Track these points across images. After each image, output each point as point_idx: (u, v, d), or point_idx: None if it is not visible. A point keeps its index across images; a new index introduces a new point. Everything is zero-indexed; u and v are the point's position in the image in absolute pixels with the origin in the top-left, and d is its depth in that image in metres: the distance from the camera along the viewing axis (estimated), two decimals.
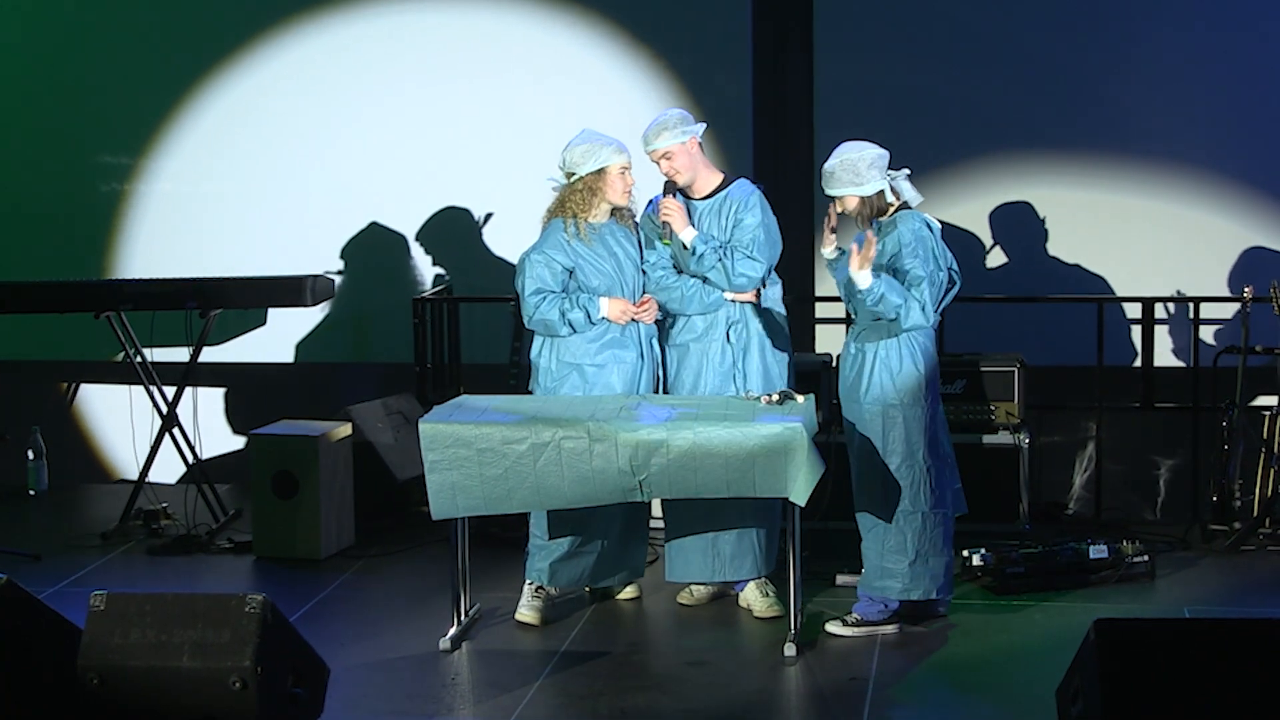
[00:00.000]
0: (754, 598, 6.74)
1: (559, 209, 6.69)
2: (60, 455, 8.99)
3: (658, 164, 6.63)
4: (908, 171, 6.46)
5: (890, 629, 6.46)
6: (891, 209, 6.41)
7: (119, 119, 8.86)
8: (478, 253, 8.64)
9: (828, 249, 6.57)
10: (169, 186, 8.85)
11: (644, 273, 6.72)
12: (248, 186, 8.80)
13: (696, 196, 6.70)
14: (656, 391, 6.74)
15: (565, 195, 6.67)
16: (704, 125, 6.67)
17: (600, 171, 6.60)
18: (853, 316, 6.53)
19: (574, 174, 6.63)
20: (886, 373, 6.38)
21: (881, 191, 6.39)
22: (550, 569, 6.68)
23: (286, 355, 8.89)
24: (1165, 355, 7.99)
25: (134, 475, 8.28)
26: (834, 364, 7.88)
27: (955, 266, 6.48)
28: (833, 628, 6.48)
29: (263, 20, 8.71)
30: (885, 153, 6.42)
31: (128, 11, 8.83)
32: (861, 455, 6.47)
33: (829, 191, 6.43)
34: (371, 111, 8.68)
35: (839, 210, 6.46)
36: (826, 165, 6.43)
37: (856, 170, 6.36)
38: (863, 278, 6.22)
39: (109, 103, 8.85)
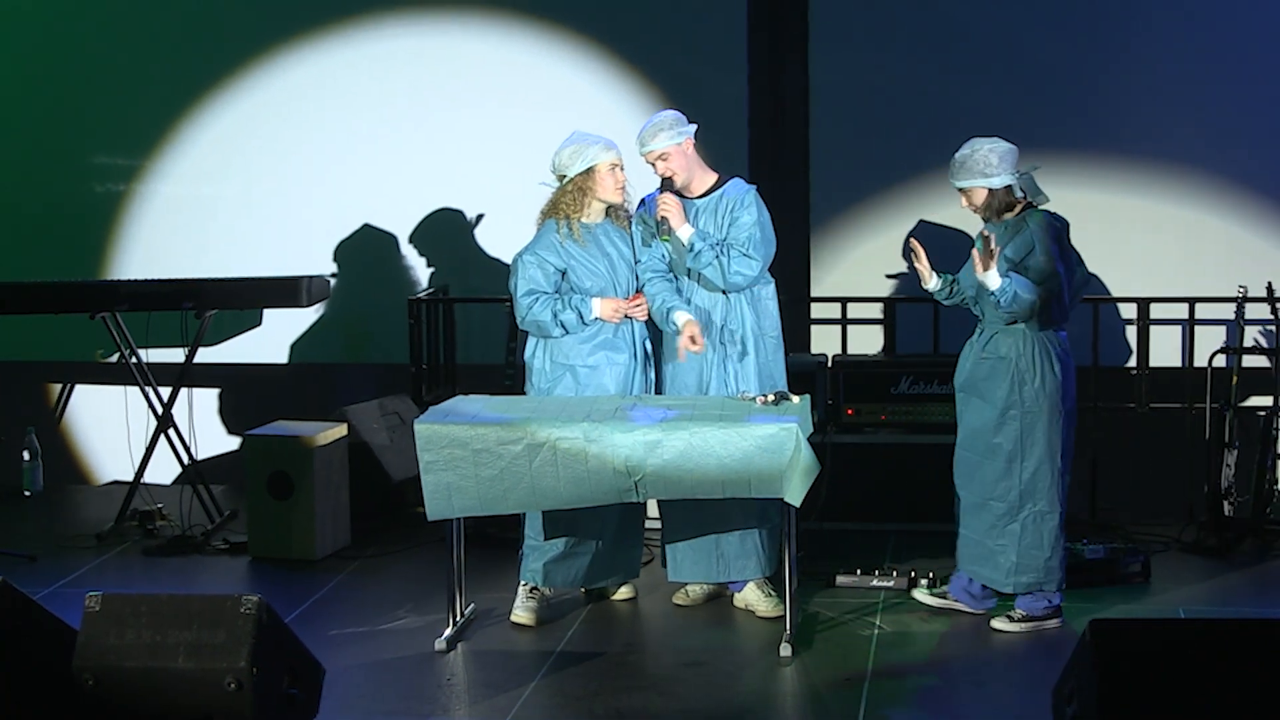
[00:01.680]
0: (756, 598, 6.74)
1: (552, 210, 6.69)
2: (55, 456, 8.99)
3: (653, 165, 6.63)
4: (1036, 167, 6.45)
5: (1054, 623, 6.50)
6: (1019, 206, 6.40)
7: (115, 121, 8.85)
8: (473, 253, 8.64)
9: (930, 283, 6.53)
10: (166, 188, 8.85)
11: (637, 273, 6.72)
12: (244, 188, 8.79)
13: (692, 195, 6.70)
14: (650, 392, 6.74)
15: (557, 197, 6.68)
16: (695, 126, 6.67)
17: (589, 171, 6.61)
18: (980, 317, 6.53)
19: (565, 175, 6.64)
20: (1027, 380, 6.38)
21: (1009, 187, 6.37)
22: (544, 570, 6.68)
23: (282, 356, 8.89)
24: (1160, 355, 7.99)
25: (129, 476, 8.28)
26: (829, 364, 7.90)
27: (1083, 263, 6.51)
28: (998, 624, 6.51)
29: (265, 32, 8.70)
30: (1015, 148, 6.39)
31: (127, 15, 8.81)
32: (988, 455, 6.47)
33: (957, 183, 6.38)
34: (367, 113, 8.68)
35: (964, 204, 6.43)
36: (957, 155, 6.38)
37: (988, 162, 6.32)
38: (992, 279, 6.20)
39: (104, 104, 8.85)
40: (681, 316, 6.54)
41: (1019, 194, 6.38)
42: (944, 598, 6.67)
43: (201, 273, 8.44)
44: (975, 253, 6.23)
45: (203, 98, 8.77)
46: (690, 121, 6.66)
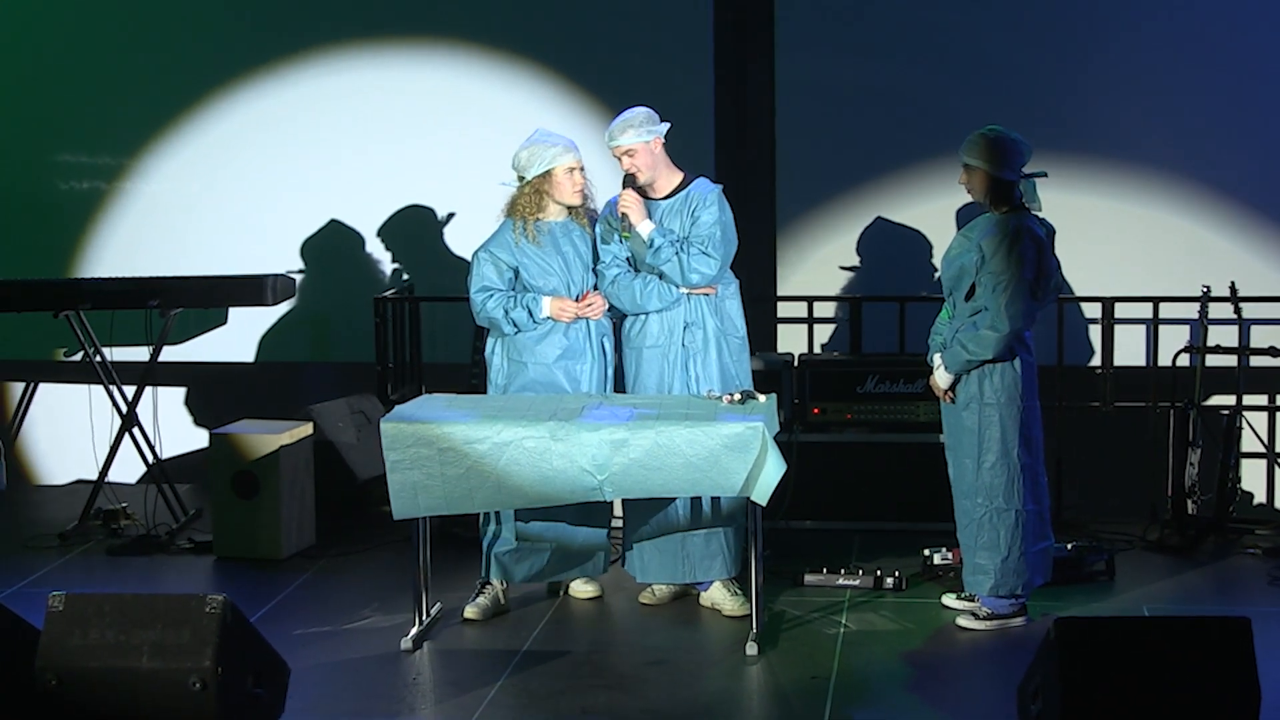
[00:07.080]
0: (722, 597, 6.74)
1: (510, 209, 6.70)
2: (19, 455, 8.94)
3: (619, 159, 6.63)
4: (1044, 174, 6.47)
5: (1019, 621, 6.49)
6: (1015, 207, 6.41)
7: (84, 120, 8.80)
8: (439, 252, 8.63)
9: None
10: (131, 186, 8.81)
11: (596, 272, 6.71)
12: (210, 186, 8.76)
13: (657, 196, 6.70)
14: (609, 390, 6.73)
15: (515, 197, 6.69)
16: (669, 125, 6.67)
17: (547, 174, 6.61)
18: (950, 313, 6.55)
19: (524, 177, 6.64)
20: (983, 373, 6.40)
21: (1012, 184, 6.38)
22: (501, 564, 6.68)
23: (247, 355, 8.86)
24: (1124, 355, 8.02)
25: (93, 475, 8.24)
26: (795, 363, 7.91)
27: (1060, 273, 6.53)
28: (964, 621, 6.51)
29: (243, 37, 8.69)
30: (1030, 150, 6.39)
31: (99, 12, 8.77)
32: (957, 453, 6.50)
33: (965, 158, 6.40)
34: (333, 111, 8.66)
35: (962, 180, 6.45)
36: (976, 133, 6.38)
37: (1005, 152, 6.34)
38: (943, 377, 6.45)
39: (72, 104, 8.80)
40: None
41: (1018, 194, 6.41)
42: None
43: (167, 271, 8.40)
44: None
45: (166, 94, 8.74)
46: (661, 120, 6.65)
